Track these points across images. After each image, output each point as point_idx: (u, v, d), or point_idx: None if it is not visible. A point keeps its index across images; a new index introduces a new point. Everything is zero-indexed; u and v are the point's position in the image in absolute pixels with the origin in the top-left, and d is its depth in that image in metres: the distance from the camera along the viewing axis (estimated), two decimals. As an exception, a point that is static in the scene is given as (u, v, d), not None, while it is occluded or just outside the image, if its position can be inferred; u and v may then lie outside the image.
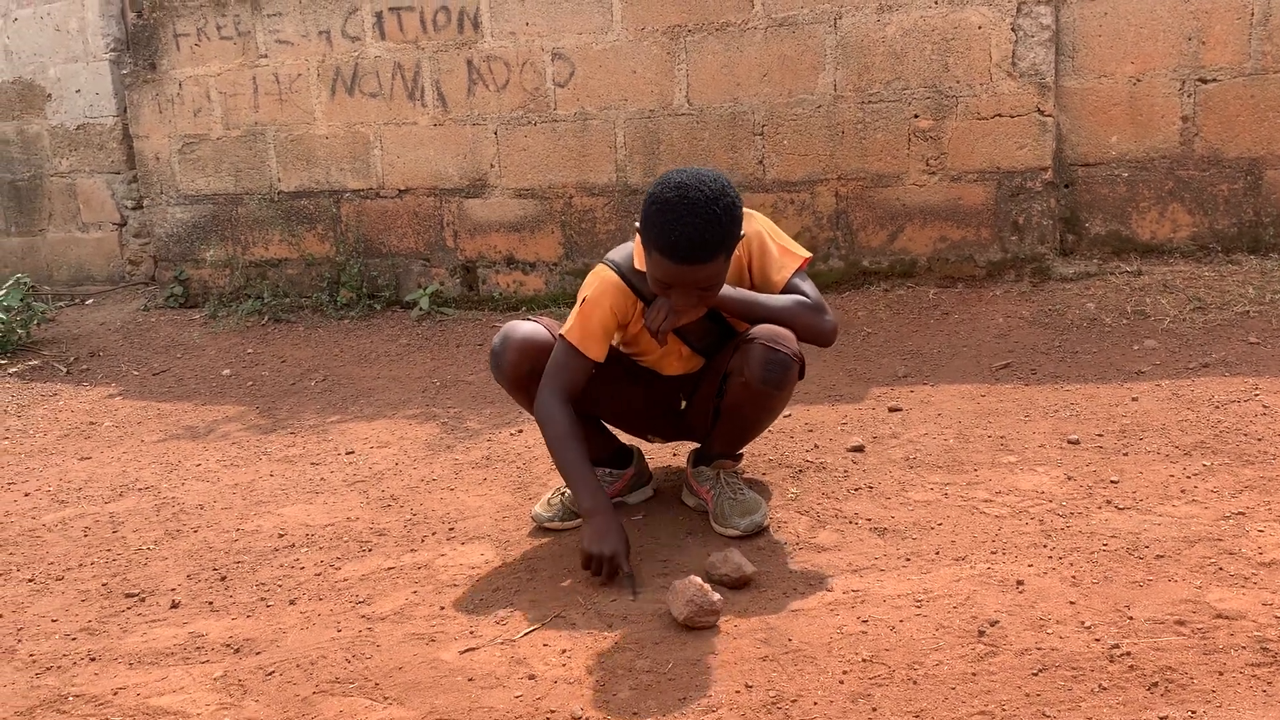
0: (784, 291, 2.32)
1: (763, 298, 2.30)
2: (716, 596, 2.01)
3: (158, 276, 5.68)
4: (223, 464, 3.31)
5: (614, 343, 2.44)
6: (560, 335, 2.34)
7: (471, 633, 2.05)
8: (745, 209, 2.40)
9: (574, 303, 2.38)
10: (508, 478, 2.91)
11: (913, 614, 1.94)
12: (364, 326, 4.90)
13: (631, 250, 2.36)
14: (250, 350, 4.75)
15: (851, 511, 2.43)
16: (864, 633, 1.89)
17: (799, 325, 2.28)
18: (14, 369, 4.71)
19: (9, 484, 3.29)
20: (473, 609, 2.16)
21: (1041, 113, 4.03)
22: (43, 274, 6.08)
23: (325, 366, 4.41)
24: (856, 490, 2.55)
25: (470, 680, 1.88)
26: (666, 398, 2.53)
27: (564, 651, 1.95)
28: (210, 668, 2.02)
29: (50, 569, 2.58)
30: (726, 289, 2.26)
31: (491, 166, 4.86)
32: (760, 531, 2.36)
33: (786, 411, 3.20)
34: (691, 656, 1.88)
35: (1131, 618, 1.84)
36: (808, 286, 2.34)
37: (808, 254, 2.40)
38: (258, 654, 2.06)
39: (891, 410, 3.13)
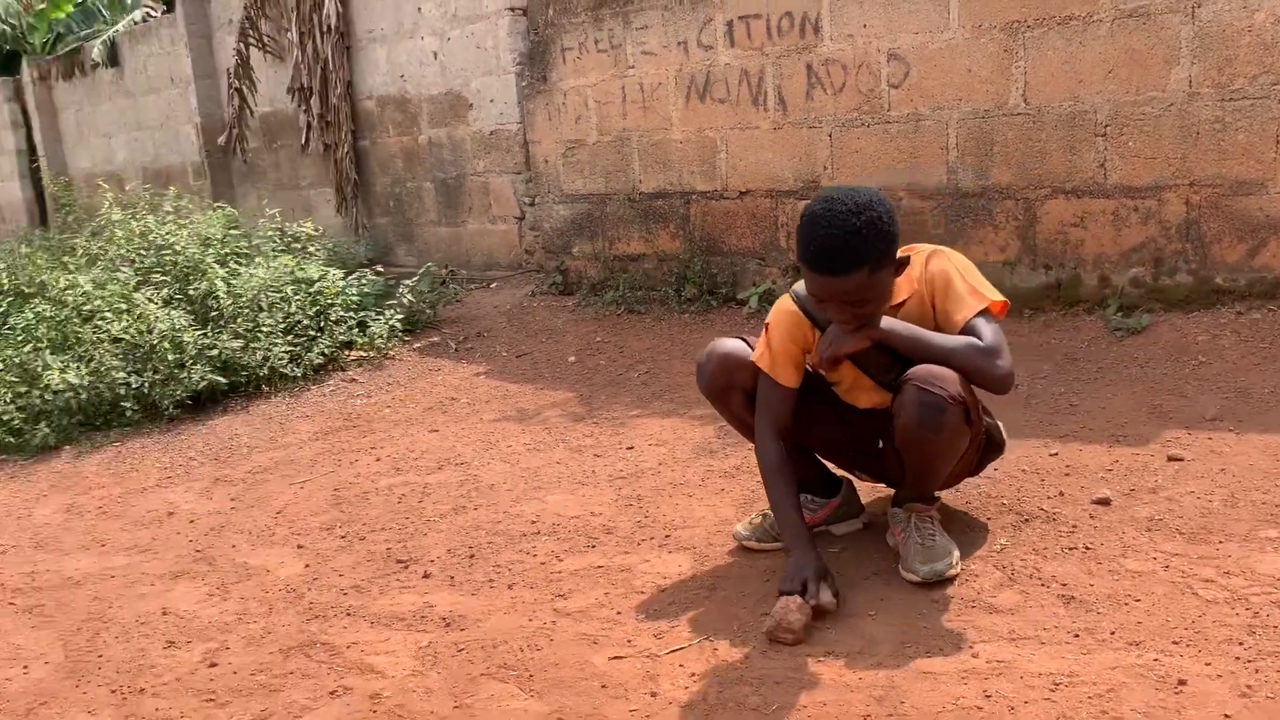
0: (962, 332, 2.24)
1: (929, 335, 2.24)
2: (796, 617, 2.12)
3: (544, 266, 6.39)
4: (528, 448, 3.76)
5: (809, 368, 2.47)
6: (758, 368, 2.42)
7: (629, 641, 2.25)
8: (939, 247, 2.36)
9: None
10: (743, 490, 3.04)
11: (1042, 697, 1.84)
12: (700, 321, 5.19)
13: None
14: (599, 338, 5.23)
15: (1050, 573, 2.29)
16: (979, 708, 1.83)
17: (963, 367, 2.20)
18: (418, 344, 5.58)
19: (370, 449, 3.99)
20: (643, 618, 2.35)
21: None
22: (462, 259, 7.08)
23: (653, 359, 4.76)
24: (1070, 550, 2.39)
25: (603, 687, 2.08)
26: (865, 435, 2.52)
27: (694, 675, 2.08)
28: (422, 637, 2.40)
29: (360, 529, 3.15)
30: (894, 322, 2.24)
31: (824, 169, 4.91)
32: (942, 581, 2.30)
33: (1053, 450, 3.01)
34: (800, 703, 1.93)
35: (1285, 748, 1.61)
36: (988, 330, 2.23)
37: (1000, 298, 2.29)
38: (462, 630, 2.41)
39: (1170, 459, 2.82)
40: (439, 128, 7.07)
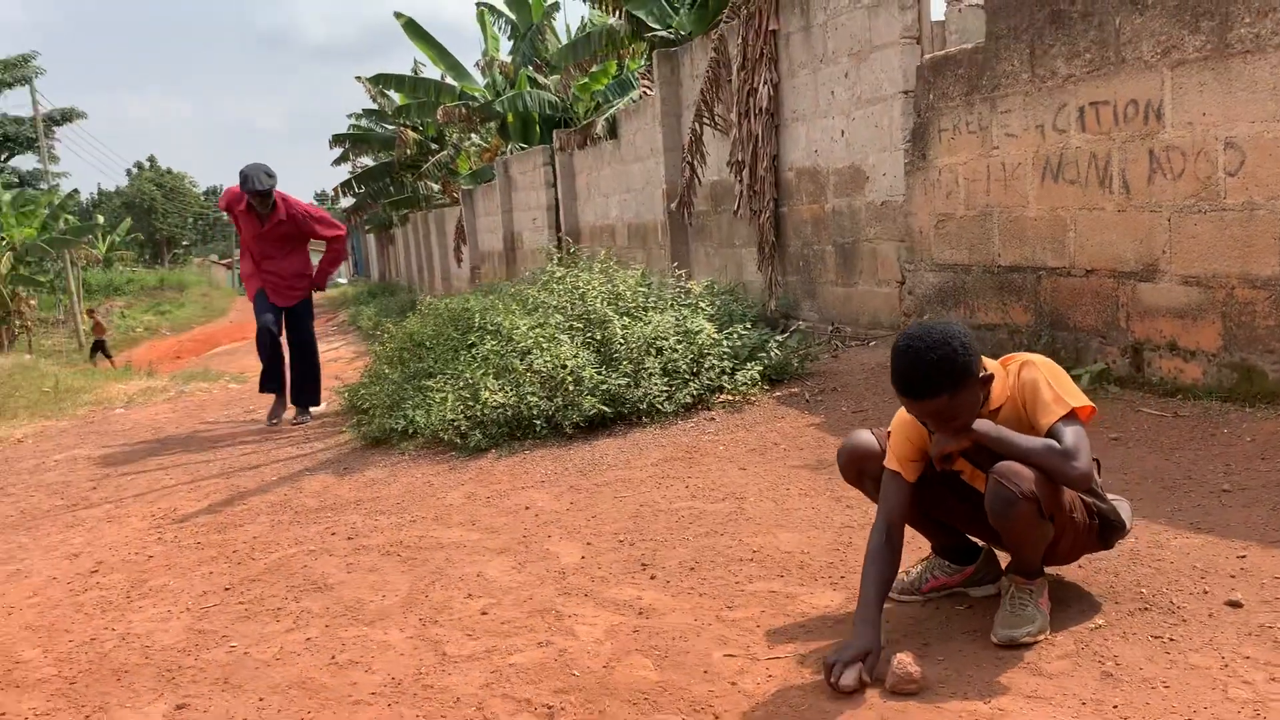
0: (1047, 435, 2.56)
1: (1014, 437, 2.58)
2: (914, 670, 2.51)
3: (913, 329, 6.83)
4: (801, 492, 4.38)
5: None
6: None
7: (747, 646, 2.87)
8: (1032, 357, 2.71)
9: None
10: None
11: (1004, 742, 2.19)
12: (1033, 394, 5.38)
13: None
14: (933, 402, 5.62)
15: (1114, 653, 2.52)
16: (949, 739, 2.23)
17: (1040, 466, 2.53)
18: (779, 393, 6.34)
19: (686, 478, 4.84)
20: (769, 632, 2.94)
21: None
22: (851, 318, 7.71)
23: (967, 426, 5.08)
24: (1154, 638, 2.58)
25: (704, 672, 2.74)
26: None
27: (770, 677, 2.67)
28: (618, 619, 3.20)
29: (635, 537, 4.01)
30: (987, 425, 2.62)
31: (1163, 252, 4.91)
32: (1016, 645, 2.63)
33: (1242, 553, 3.05)
34: (825, 707, 2.45)
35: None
36: (1068, 433, 2.53)
37: (1084, 404, 2.58)
38: (647, 619, 3.17)
39: (1352, 577, 2.79)
40: (841, 197, 7.78)
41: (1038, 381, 2.66)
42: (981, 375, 2.64)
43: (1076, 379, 5.24)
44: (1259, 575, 2.89)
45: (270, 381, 8.17)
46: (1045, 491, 2.56)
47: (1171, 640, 2.56)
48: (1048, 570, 2.95)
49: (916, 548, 3.21)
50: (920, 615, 2.95)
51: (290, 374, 8.15)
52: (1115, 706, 2.27)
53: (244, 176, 7.59)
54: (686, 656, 2.85)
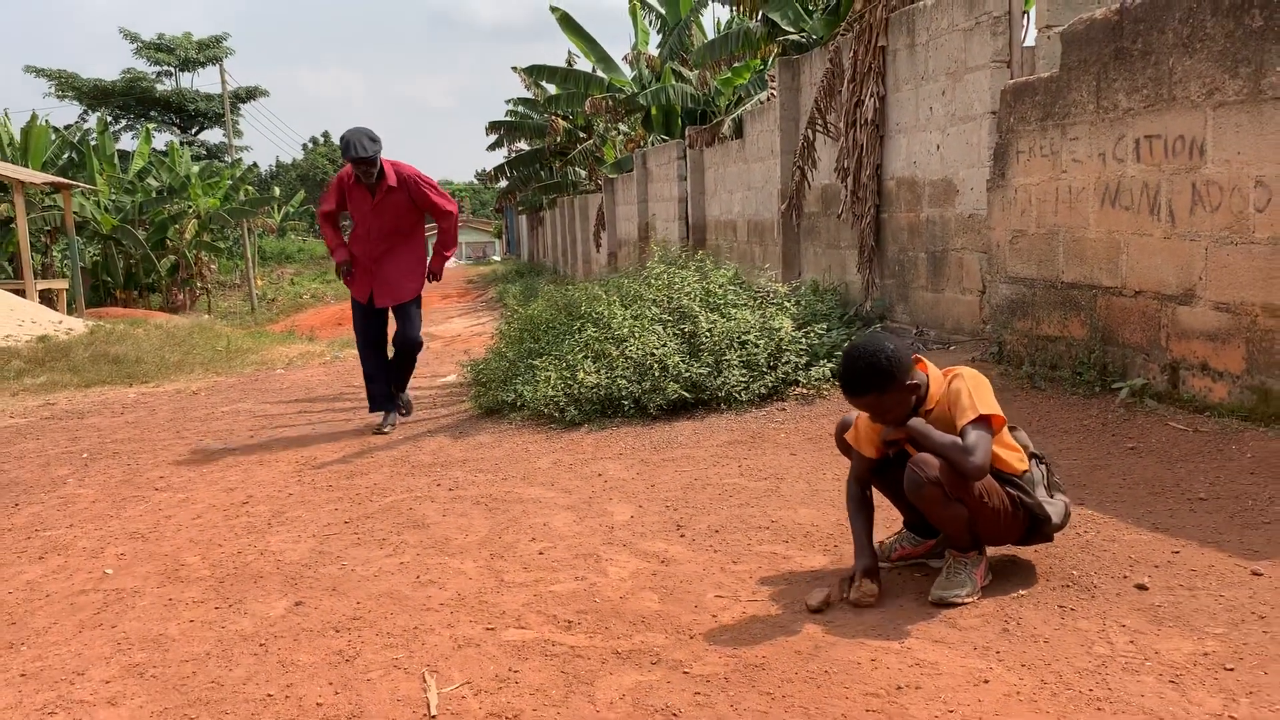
0: (959, 435, 3.14)
1: (932, 433, 3.18)
2: (872, 586, 3.26)
3: (989, 336, 7.26)
4: (834, 479, 4.96)
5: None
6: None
7: (734, 591, 3.54)
8: (963, 370, 3.29)
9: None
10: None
11: (906, 665, 2.81)
12: (1079, 403, 5.80)
13: None
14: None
15: (1019, 615, 3.09)
16: (857, 664, 2.87)
17: (945, 458, 3.11)
18: (850, 389, 6.89)
19: (742, 459, 5.49)
20: (759, 581, 3.60)
21: None
22: (937, 322, 8.16)
23: (1006, 429, 5.56)
24: (1060, 607, 3.12)
25: (695, 607, 3.43)
26: (938, 494, 3.45)
27: (744, 613, 3.34)
28: (642, 565, 3.91)
29: (678, 504, 4.70)
30: (917, 422, 3.23)
31: (1199, 279, 5.27)
32: (945, 604, 3.22)
33: (1177, 548, 3.53)
34: (772, 637, 3.10)
35: (978, 721, 2.47)
36: (973, 435, 3.11)
37: (992, 412, 3.16)
38: (667, 566, 3.87)
39: (1253, 574, 3.25)
40: (934, 208, 8.23)
41: (960, 391, 3.23)
42: (910, 382, 3.22)
43: (1117, 391, 5.69)
44: (1180, 568, 3.38)
45: (378, 403, 7.44)
46: (949, 479, 3.14)
47: (1071, 610, 3.10)
48: (1000, 551, 3.52)
49: (894, 519, 3.81)
50: (883, 577, 3.55)
51: (392, 364, 7.46)
52: (997, 652, 2.85)
53: (345, 143, 6.76)
54: (686, 595, 3.54)
